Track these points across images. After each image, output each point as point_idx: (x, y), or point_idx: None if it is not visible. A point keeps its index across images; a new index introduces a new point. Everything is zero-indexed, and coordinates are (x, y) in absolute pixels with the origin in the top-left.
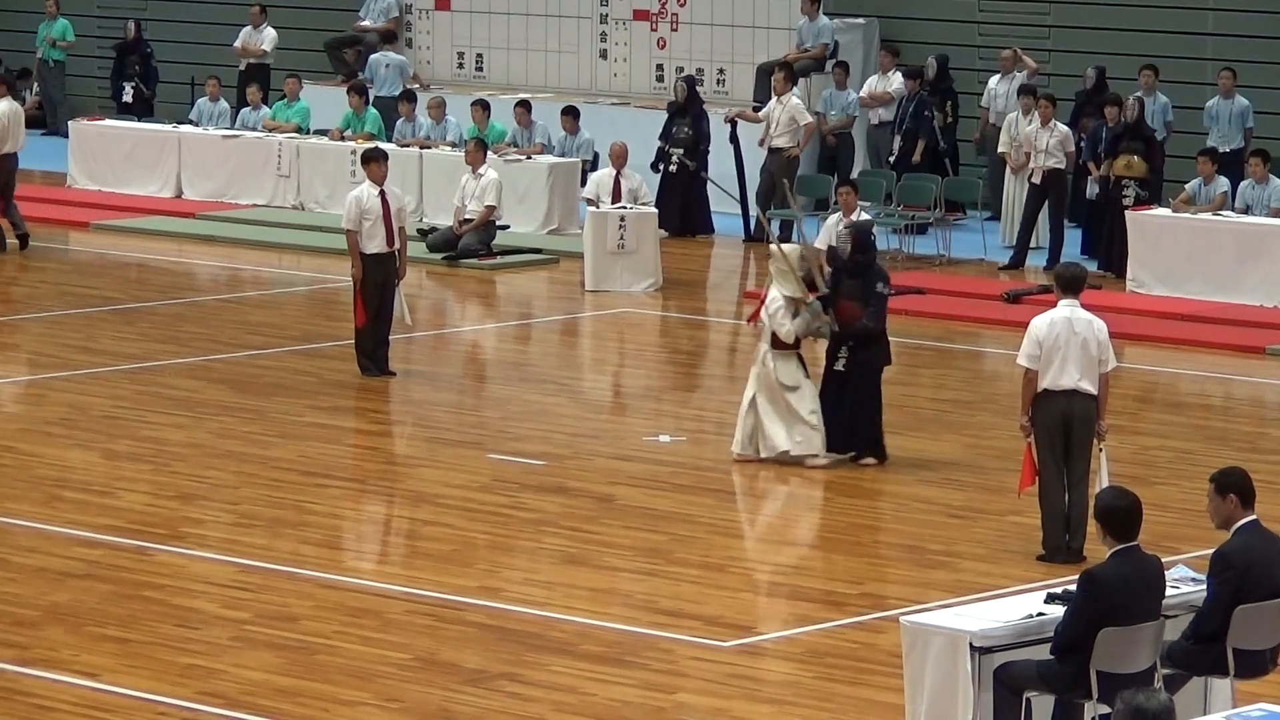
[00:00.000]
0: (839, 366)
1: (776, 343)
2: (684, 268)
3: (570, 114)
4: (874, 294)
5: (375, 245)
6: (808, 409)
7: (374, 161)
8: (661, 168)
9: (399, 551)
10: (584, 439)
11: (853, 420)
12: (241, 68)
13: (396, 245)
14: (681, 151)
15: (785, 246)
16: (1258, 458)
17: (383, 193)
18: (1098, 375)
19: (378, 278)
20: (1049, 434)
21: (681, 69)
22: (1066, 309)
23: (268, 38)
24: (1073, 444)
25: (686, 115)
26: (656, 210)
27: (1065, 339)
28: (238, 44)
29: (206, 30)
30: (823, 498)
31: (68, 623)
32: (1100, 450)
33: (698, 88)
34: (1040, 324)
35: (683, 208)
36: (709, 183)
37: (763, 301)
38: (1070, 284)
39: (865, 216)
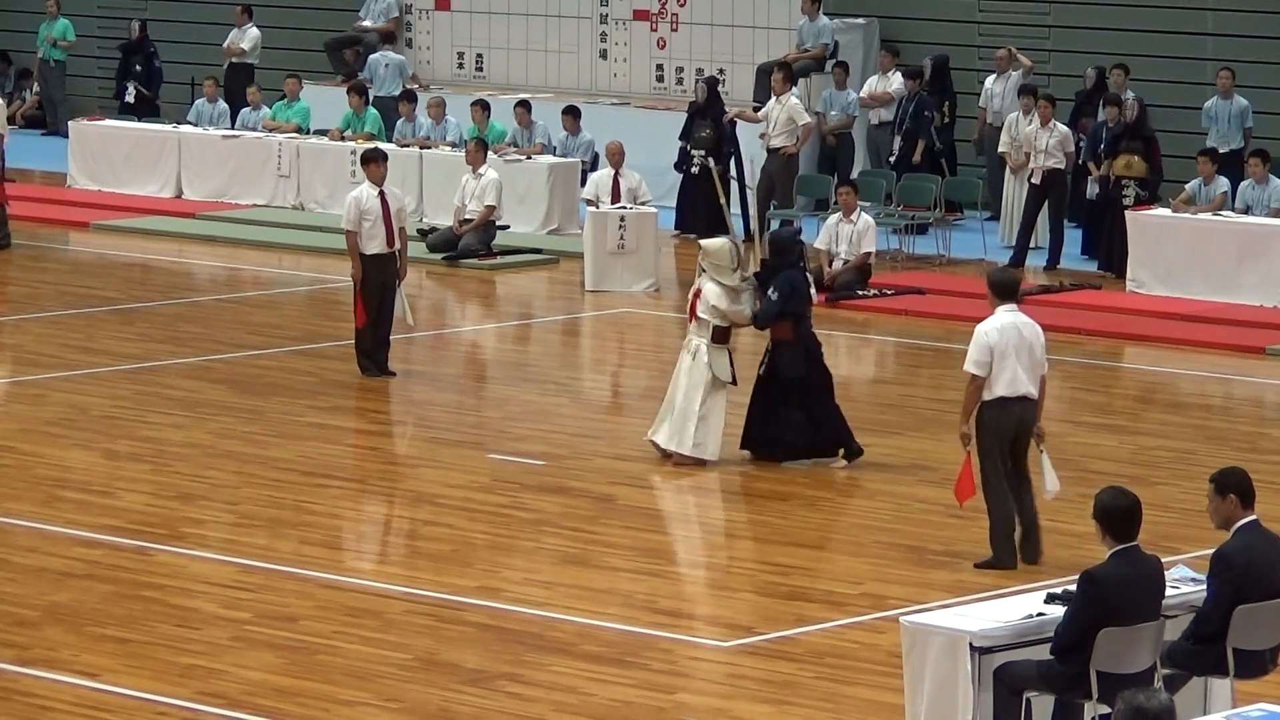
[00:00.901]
0: (760, 371)
1: (717, 336)
2: (685, 268)
3: (571, 114)
4: (764, 296)
5: (375, 246)
6: (720, 411)
7: (373, 162)
8: (685, 169)
9: (399, 551)
10: (584, 439)
11: (763, 424)
12: (224, 67)
13: (397, 246)
14: (703, 153)
15: (712, 241)
16: (1258, 458)
17: (382, 193)
18: (1038, 378)
19: (378, 278)
20: (1001, 441)
21: (681, 69)
22: (1009, 315)
23: (249, 37)
24: (1019, 450)
25: (707, 116)
26: (657, 211)
27: (1015, 345)
28: (225, 45)
29: (206, 30)
30: (823, 498)
31: (68, 623)
32: (1041, 451)
33: (719, 87)
34: (990, 331)
35: (707, 209)
36: (734, 183)
37: (697, 296)
38: (1008, 290)
39: (866, 217)
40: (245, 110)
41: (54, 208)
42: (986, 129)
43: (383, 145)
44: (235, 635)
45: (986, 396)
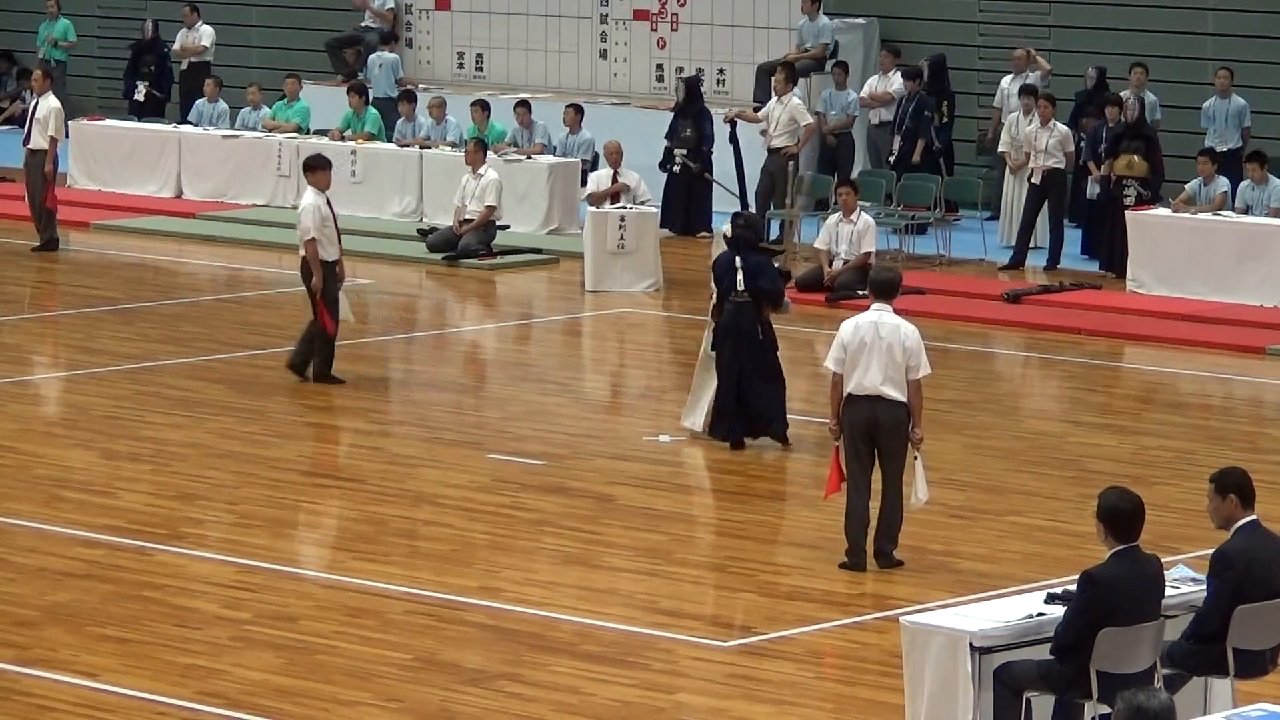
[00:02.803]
0: None
1: (714, 313)
2: (684, 267)
3: (575, 109)
4: None
5: (333, 252)
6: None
7: (321, 169)
8: (668, 168)
9: (399, 551)
10: (584, 439)
11: None
12: (184, 67)
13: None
14: (685, 152)
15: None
16: (1258, 458)
17: (328, 200)
18: (904, 381)
19: (334, 284)
20: (853, 438)
21: (681, 69)
22: (875, 313)
23: (205, 34)
24: (881, 450)
25: (688, 116)
26: (657, 210)
27: (870, 343)
28: (176, 46)
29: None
30: (823, 497)
31: (68, 623)
32: (915, 458)
33: (700, 87)
34: (846, 327)
35: (686, 207)
36: (714, 183)
37: None
38: (881, 288)
39: (866, 217)
40: (245, 110)
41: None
42: (1000, 128)
43: (383, 145)
44: (235, 635)
45: (844, 392)
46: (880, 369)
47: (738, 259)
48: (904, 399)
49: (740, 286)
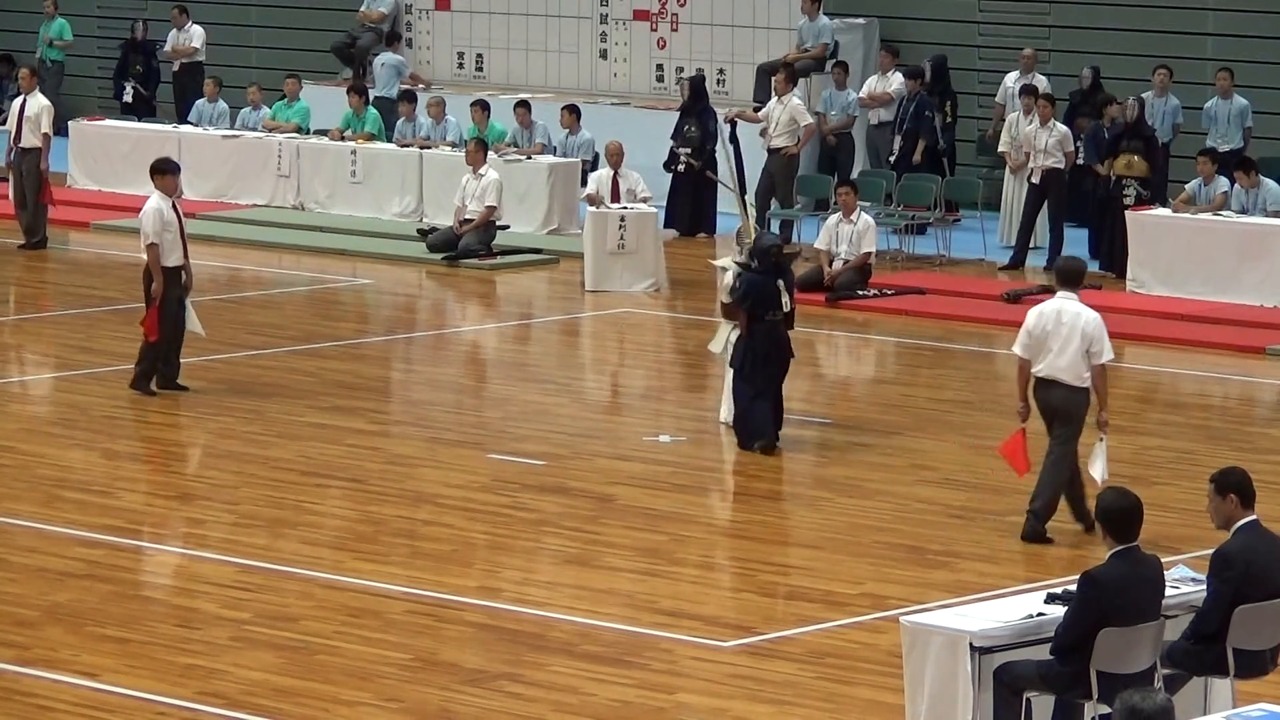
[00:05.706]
0: None
1: (723, 311)
2: (685, 267)
3: (570, 110)
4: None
5: (175, 258)
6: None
7: (168, 173)
8: (672, 168)
9: (399, 551)
10: (584, 439)
11: None
12: (175, 68)
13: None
14: (688, 151)
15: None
16: (1258, 458)
17: (174, 204)
18: (1085, 366)
19: (174, 291)
20: (1042, 420)
21: (681, 69)
22: (1059, 301)
23: (196, 35)
24: (1053, 433)
25: (692, 114)
26: (658, 210)
27: (1052, 330)
28: (168, 47)
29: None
30: (822, 498)
31: (68, 623)
32: (1100, 440)
33: (704, 85)
34: (1031, 315)
35: (692, 207)
36: (718, 182)
37: None
38: (1067, 277)
39: (866, 217)
40: (245, 110)
41: (54, 207)
42: (1002, 125)
43: (383, 145)
44: (235, 635)
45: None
46: (1059, 355)
47: (780, 282)
48: (1082, 385)
49: (787, 308)
